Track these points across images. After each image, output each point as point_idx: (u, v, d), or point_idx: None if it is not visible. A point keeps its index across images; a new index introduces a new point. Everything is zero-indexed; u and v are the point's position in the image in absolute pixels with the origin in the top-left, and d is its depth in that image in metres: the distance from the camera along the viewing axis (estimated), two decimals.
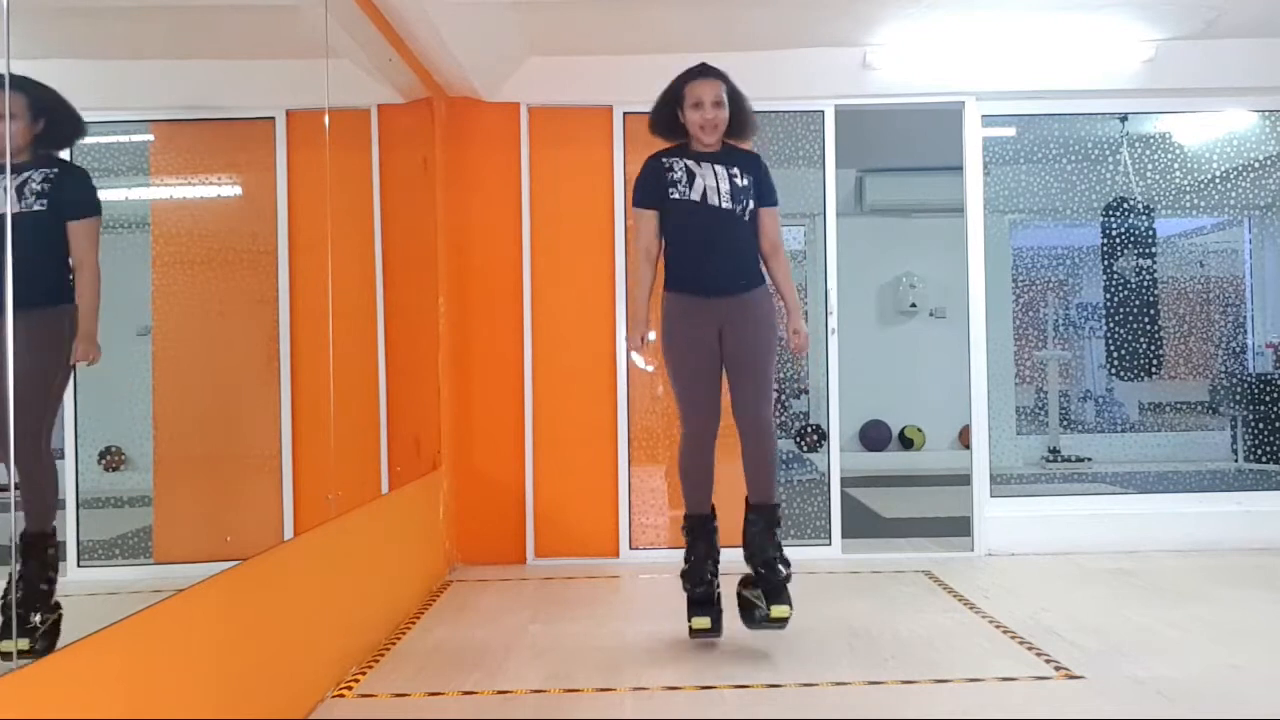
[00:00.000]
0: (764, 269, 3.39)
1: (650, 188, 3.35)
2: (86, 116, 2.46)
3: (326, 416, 3.21)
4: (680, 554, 4.62)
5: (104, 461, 2.58)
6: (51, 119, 1.93)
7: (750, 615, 3.28)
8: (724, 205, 3.28)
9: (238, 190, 3.17)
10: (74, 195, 2.08)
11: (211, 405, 2.90)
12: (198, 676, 2.24)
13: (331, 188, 3.31)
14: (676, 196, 3.29)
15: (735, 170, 3.30)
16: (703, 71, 3.32)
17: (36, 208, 1.94)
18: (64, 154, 2.14)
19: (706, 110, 3.26)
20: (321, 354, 3.25)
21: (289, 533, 3.05)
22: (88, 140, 2.45)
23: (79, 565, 2.41)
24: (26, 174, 1.93)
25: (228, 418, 2.99)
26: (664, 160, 3.35)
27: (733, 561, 3.42)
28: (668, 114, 3.36)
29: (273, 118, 3.17)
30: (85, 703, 1.82)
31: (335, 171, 3.35)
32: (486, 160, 4.85)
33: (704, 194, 3.27)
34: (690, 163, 3.31)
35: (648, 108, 4.76)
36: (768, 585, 3.22)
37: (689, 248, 3.31)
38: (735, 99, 3.32)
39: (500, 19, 4.25)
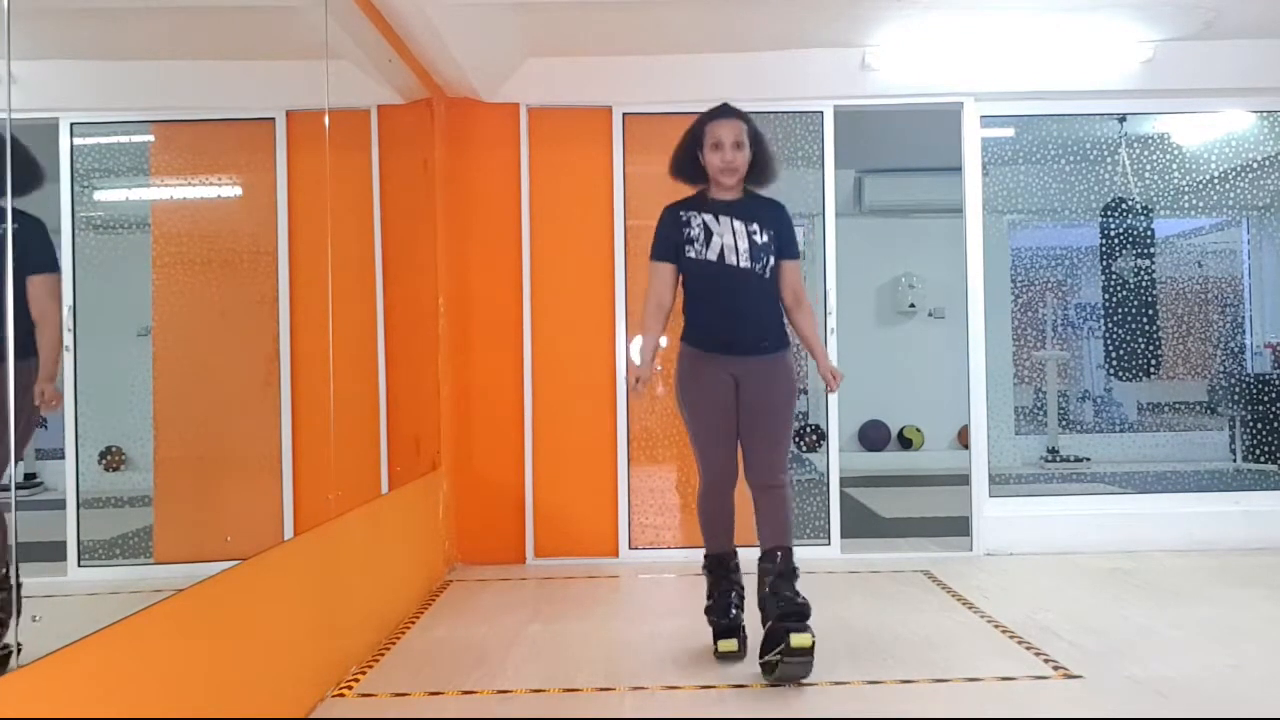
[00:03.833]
0: (790, 321, 3.30)
1: (667, 241, 3.23)
2: (86, 117, 2.47)
3: (326, 416, 3.21)
4: (681, 553, 4.70)
5: (104, 461, 2.58)
6: (13, 167, 1.88)
7: (770, 670, 2.97)
8: (742, 265, 3.15)
9: (238, 190, 3.17)
10: (35, 249, 2.06)
11: (212, 405, 2.90)
12: (198, 676, 2.24)
13: (331, 188, 3.31)
14: (693, 256, 3.18)
15: (755, 226, 3.17)
16: (723, 112, 3.21)
17: None
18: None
19: (726, 152, 3.13)
20: (321, 354, 3.25)
21: (289, 533, 3.06)
22: (88, 140, 2.45)
23: (79, 565, 2.42)
24: None
25: (228, 418, 3.00)
26: (681, 214, 3.23)
27: (749, 561, 3.27)
28: (688, 155, 3.24)
29: (273, 118, 3.17)
30: (85, 702, 1.82)
31: (335, 172, 3.35)
32: (486, 161, 4.85)
33: (721, 253, 3.15)
34: (708, 218, 3.19)
35: (647, 108, 4.83)
36: (784, 614, 2.96)
37: (708, 308, 3.20)
38: (756, 142, 3.21)
39: (500, 19, 4.26)
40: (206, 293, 2.91)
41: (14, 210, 1.85)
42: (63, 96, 2.30)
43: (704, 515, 3.33)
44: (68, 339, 2.23)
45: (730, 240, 3.17)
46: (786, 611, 2.98)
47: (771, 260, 3.22)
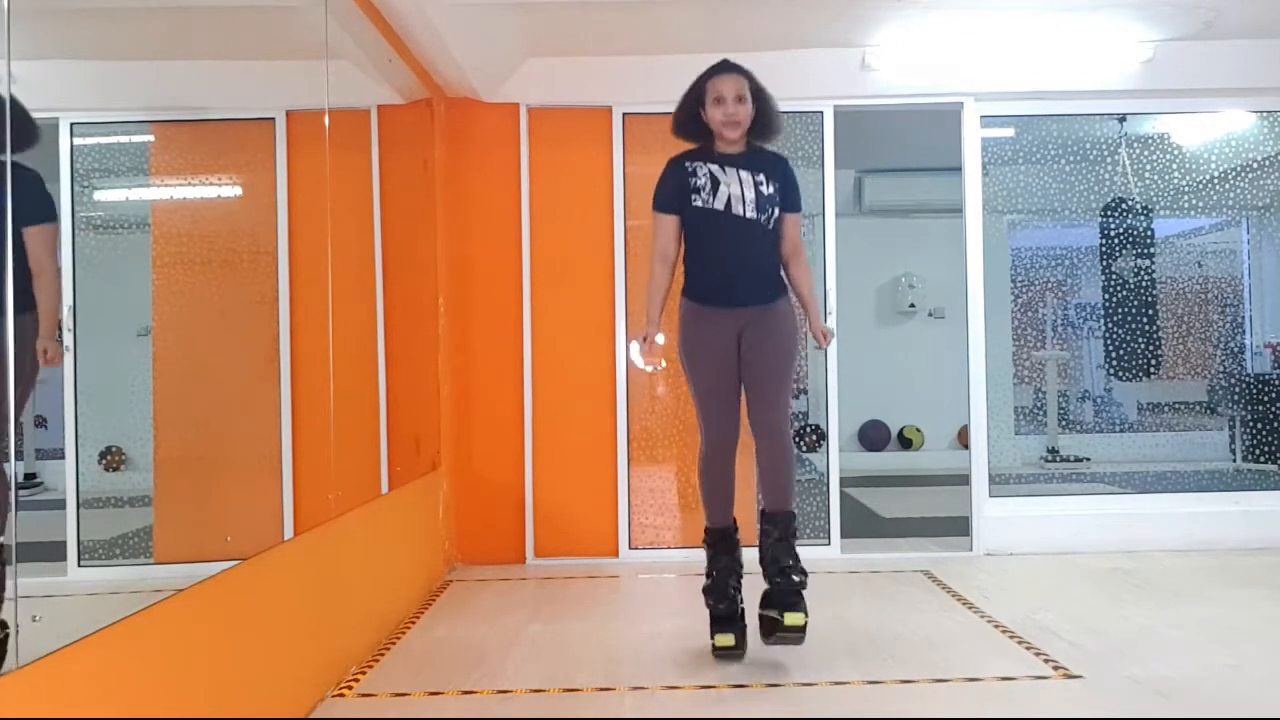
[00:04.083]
0: (786, 274, 3.30)
1: (671, 192, 3.24)
2: (86, 117, 2.47)
3: (326, 416, 3.21)
4: (681, 553, 4.69)
5: (104, 461, 2.58)
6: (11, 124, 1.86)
7: (769, 631, 3.12)
8: (748, 215, 3.15)
9: (238, 190, 3.17)
10: (29, 199, 2.02)
11: (212, 405, 2.90)
12: (198, 676, 2.24)
13: (331, 188, 3.31)
14: (699, 204, 3.18)
15: (761, 177, 3.18)
16: (724, 67, 3.22)
17: None
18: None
19: (728, 105, 3.13)
20: (321, 354, 3.25)
21: (289, 533, 3.06)
22: (88, 140, 2.45)
23: (79, 565, 2.42)
24: None
25: (228, 418, 2.99)
26: (687, 164, 3.23)
27: (753, 577, 3.27)
28: (690, 113, 3.25)
29: (273, 118, 3.17)
30: (86, 702, 1.82)
31: (335, 172, 3.35)
32: (486, 161, 4.85)
33: (728, 202, 3.15)
34: (714, 168, 3.19)
35: (647, 108, 4.83)
36: (781, 593, 3.09)
37: (711, 258, 3.20)
38: (759, 97, 3.21)
39: (500, 19, 4.26)
40: (206, 293, 2.91)
41: (8, 162, 1.83)
42: (63, 96, 2.30)
43: (706, 480, 3.26)
44: (68, 339, 2.22)
45: (737, 190, 3.17)
46: (783, 589, 3.07)
47: (776, 211, 3.22)
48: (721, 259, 3.20)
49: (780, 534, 3.15)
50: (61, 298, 2.13)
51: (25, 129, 1.93)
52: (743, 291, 3.20)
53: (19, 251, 1.91)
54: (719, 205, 3.17)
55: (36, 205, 2.07)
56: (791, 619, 3.01)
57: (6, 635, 1.73)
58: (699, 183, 3.20)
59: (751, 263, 3.21)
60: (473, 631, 3.62)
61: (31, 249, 2.00)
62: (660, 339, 3.33)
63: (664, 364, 4.68)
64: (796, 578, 3.10)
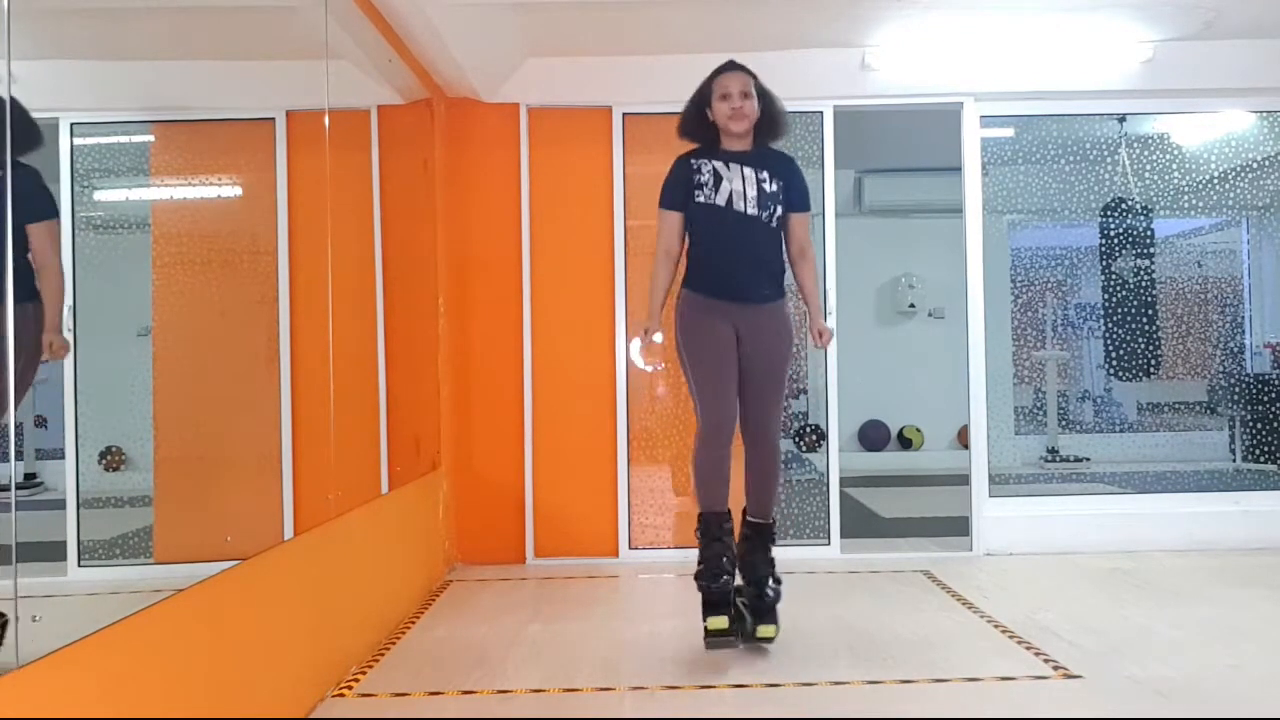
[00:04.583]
0: (790, 273, 3.35)
1: (676, 189, 3.29)
2: (86, 117, 2.47)
3: (326, 416, 3.21)
4: (681, 553, 4.69)
5: (104, 461, 2.58)
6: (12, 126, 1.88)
7: (741, 626, 3.21)
8: (749, 211, 3.21)
9: (238, 190, 3.17)
10: (31, 196, 2.04)
11: (212, 405, 2.90)
12: (198, 676, 2.24)
13: (331, 188, 3.31)
14: (701, 200, 3.23)
15: (765, 174, 3.24)
16: (730, 66, 3.28)
17: None
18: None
19: (735, 99, 3.20)
20: (321, 354, 3.25)
21: (289, 533, 3.06)
22: (88, 140, 2.45)
23: (79, 565, 2.42)
24: None
25: (228, 418, 2.99)
26: (692, 161, 3.29)
27: None
28: (696, 112, 3.31)
29: (273, 118, 3.17)
30: (86, 702, 1.82)
31: (335, 172, 3.35)
32: (486, 161, 4.85)
33: (729, 199, 3.21)
34: (718, 164, 3.25)
35: (647, 108, 4.83)
36: (755, 605, 3.22)
37: (712, 253, 3.25)
38: (764, 97, 3.27)
39: (500, 19, 4.26)
40: (206, 293, 2.91)
41: (8, 159, 1.84)
42: (63, 96, 2.30)
43: (700, 468, 3.25)
44: (68, 338, 2.23)
45: (739, 186, 3.22)
46: (758, 599, 3.24)
47: (778, 210, 3.26)
48: (722, 253, 3.24)
49: (759, 540, 3.32)
50: (64, 293, 2.14)
51: (28, 132, 1.94)
52: (741, 287, 3.23)
53: (21, 247, 1.93)
54: (720, 201, 3.22)
55: (37, 201, 2.08)
56: (764, 631, 3.19)
57: (6, 622, 1.73)
58: (702, 179, 3.24)
59: (751, 259, 3.24)
60: (473, 631, 3.62)
61: (35, 245, 2.03)
62: (659, 337, 3.36)
63: (663, 365, 4.69)
64: (771, 592, 3.26)
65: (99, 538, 2.53)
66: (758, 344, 3.23)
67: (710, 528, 3.26)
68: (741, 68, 3.28)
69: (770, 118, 3.28)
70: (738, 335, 3.23)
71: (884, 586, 4.22)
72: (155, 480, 2.73)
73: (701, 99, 3.30)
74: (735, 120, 3.21)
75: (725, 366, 3.23)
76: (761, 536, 3.32)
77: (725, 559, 3.23)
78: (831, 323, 4.77)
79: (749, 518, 3.34)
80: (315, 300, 3.23)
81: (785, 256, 3.35)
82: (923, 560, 4.70)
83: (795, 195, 3.31)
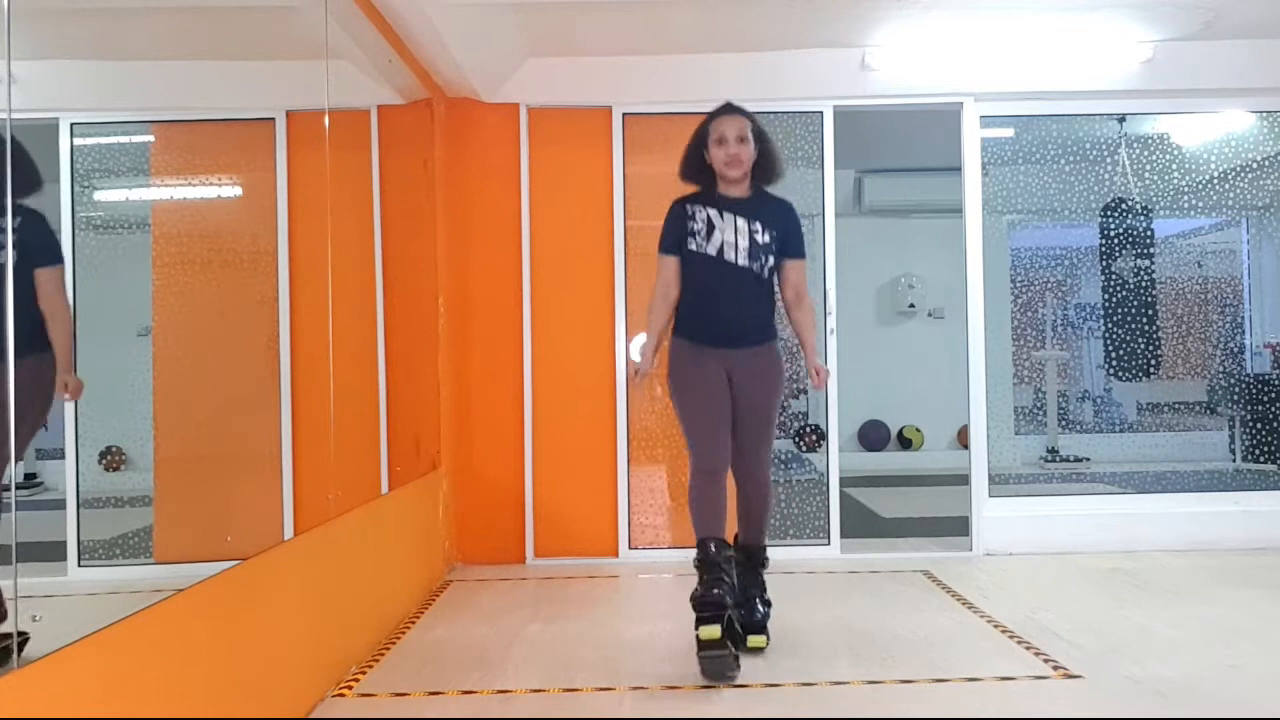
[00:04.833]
0: (788, 318, 3.38)
1: (672, 234, 3.31)
2: (86, 117, 2.47)
3: (326, 416, 3.21)
4: (680, 553, 4.69)
5: (104, 461, 2.58)
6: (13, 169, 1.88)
7: (730, 626, 3.10)
8: (740, 262, 3.21)
9: (238, 190, 3.17)
10: (40, 243, 2.07)
11: (211, 405, 2.91)
12: (198, 676, 2.24)
13: (331, 188, 3.31)
14: (693, 248, 3.25)
15: (758, 225, 3.23)
16: (727, 109, 3.28)
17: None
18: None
19: (730, 145, 3.20)
20: (321, 354, 3.25)
21: (289, 533, 3.06)
22: (88, 140, 2.45)
23: (79, 565, 2.42)
24: None
25: (228, 418, 3.00)
26: (687, 207, 3.29)
27: None
28: (694, 156, 3.31)
29: (273, 118, 3.17)
30: (86, 702, 1.82)
31: (335, 172, 3.35)
32: (486, 161, 4.85)
33: (720, 249, 3.22)
34: (713, 212, 3.25)
35: (647, 108, 4.83)
36: (745, 621, 3.24)
37: (702, 301, 3.26)
38: (761, 139, 3.27)
39: (500, 19, 4.26)
40: (206, 293, 2.91)
41: (15, 205, 1.86)
42: (63, 96, 2.30)
43: (695, 503, 3.23)
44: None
45: (731, 237, 3.23)
46: (745, 623, 3.25)
47: (770, 260, 3.27)
48: (711, 302, 3.26)
49: (749, 565, 3.37)
50: (71, 334, 2.18)
51: (27, 174, 1.96)
52: (731, 335, 3.26)
53: (31, 293, 1.96)
54: (711, 251, 3.24)
55: (46, 248, 2.13)
56: (754, 641, 3.24)
57: (26, 639, 1.74)
58: (695, 226, 3.26)
59: (740, 309, 3.26)
60: (473, 631, 3.62)
61: (44, 291, 2.07)
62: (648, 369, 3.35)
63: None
64: (761, 610, 3.34)
65: (99, 538, 2.53)
66: (749, 385, 3.26)
67: (709, 555, 3.14)
68: (739, 110, 3.28)
69: (766, 160, 3.28)
70: (729, 376, 3.26)
71: (884, 586, 4.22)
72: (155, 480, 2.74)
73: (699, 141, 3.30)
74: (731, 167, 3.23)
75: (718, 408, 3.24)
76: (752, 560, 3.38)
77: (724, 572, 3.15)
78: (831, 323, 4.77)
79: (740, 542, 3.40)
80: (315, 300, 3.23)
81: (780, 300, 3.36)
82: (923, 560, 4.70)
83: (791, 243, 3.31)
